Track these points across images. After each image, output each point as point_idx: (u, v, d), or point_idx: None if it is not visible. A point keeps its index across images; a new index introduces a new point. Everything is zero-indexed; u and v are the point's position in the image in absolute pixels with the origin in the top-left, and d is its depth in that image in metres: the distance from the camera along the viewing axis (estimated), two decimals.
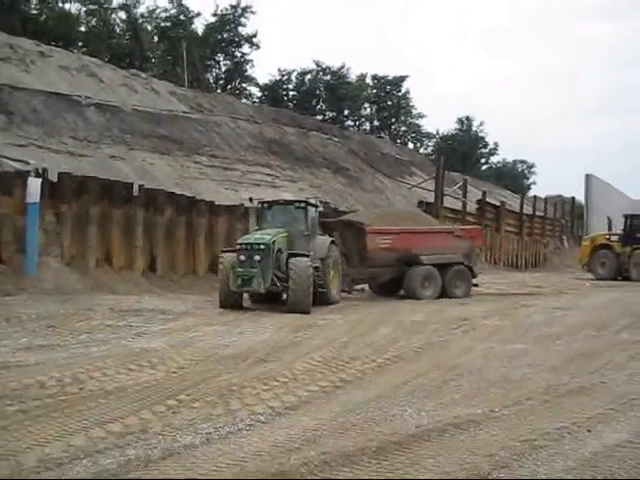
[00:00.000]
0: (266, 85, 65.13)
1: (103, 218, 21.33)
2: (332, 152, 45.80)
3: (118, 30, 53.42)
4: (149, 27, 55.95)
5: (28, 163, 20.76)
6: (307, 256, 17.85)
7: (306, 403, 8.24)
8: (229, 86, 60.63)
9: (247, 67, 61.57)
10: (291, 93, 67.76)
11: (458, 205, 44.72)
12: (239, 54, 60.66)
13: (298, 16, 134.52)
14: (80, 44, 47.77)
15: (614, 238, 36.54)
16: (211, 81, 59.51)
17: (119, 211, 21.84)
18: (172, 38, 54.18)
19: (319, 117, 62.64)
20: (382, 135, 69.74)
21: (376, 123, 74.54)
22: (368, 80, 71.47)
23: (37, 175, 19.77)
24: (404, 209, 35.20)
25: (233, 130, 39.60)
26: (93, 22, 51.50)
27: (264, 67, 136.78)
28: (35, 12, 46.15)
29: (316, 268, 18.14)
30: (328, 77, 67.06)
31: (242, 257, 17.27)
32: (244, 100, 56.13)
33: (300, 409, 7.95)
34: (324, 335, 13.55)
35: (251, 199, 20.82)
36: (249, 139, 39.74)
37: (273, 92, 64.73)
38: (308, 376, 9.71)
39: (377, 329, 14.51)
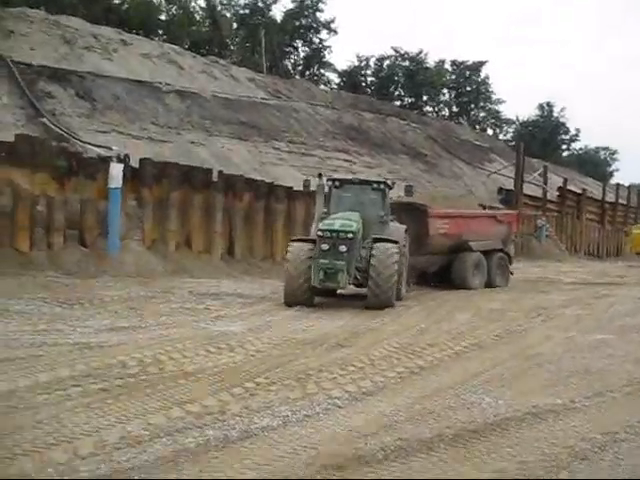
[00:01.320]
0: (344, 71, 65.04)
1: (183, 203, 21.67)
2: (410, 138, 45.49)
3: (198, 18, 54.06)
4: (228, 14, 56.51)
5: (111, 149, 21.22)
6: (395, 242, 15.78)
7: (383, 389, 8.20)
8: (307, 72, 60.77)
9: (325, 53, 61.73)
10: (369, 79, 67.61)
11: (538, 192, 43.90)
12: (317, 40, 60.82)
13: (376, 1, 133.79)
14: (161, 32, 48.53)
15: None
16: (289, 67, 59.74)
17: (199, 196, 22.15)
18: (251, 25, 54.64)
19: (397, 103, 62.29)
20: (461, 121, 68.91)
21: (455, 109, 73.72)
22: (447, 65, 70.75)
23: (119, 161, 20.20)
24: (452, 191, 33.12)
25: (311, 116, 39.71)
26: (173, 10, 52.25)
27: (342, 53, 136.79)
28: (117, 1, 47.06)
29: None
30: (406, 63, 66.55)
31: (324, 246, 14.94)
32: (322, 86, 56.18)
33: (377, 394, 7.92)
34: (401, 322, 13.48)
35: (320, 175, 18.20)
36: (327, 125, 39.80)
37: (351, 78, 64.59)
38: (385, 362, 9.67)
39: (454, 316, 14.37)
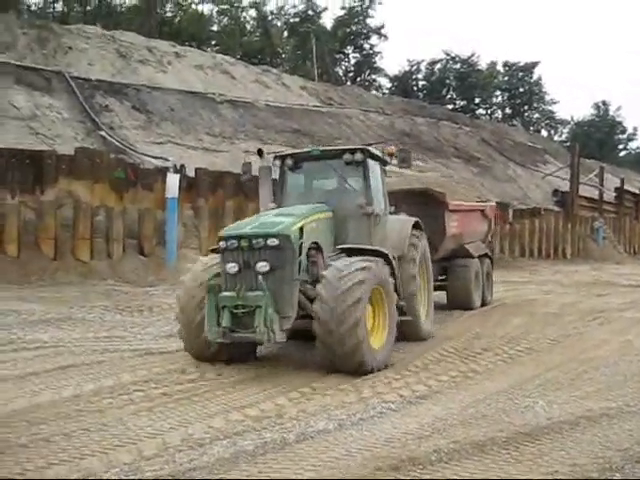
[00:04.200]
0: (395, 76, 65.11)
1: (238, 211, 22.00)
2: (463, 142, 45.26)
3: (249, 28, 54.77)
4: (279, 23, 57.13)
5: (167, 160, 21.70)
6: (376, 255, 9.98)
7: (437, 392, 8.29)
8: (358, 78, 60.98)
9: (376, 59, 61.99)
10: (421, 83, 67.60)
11: (594, 194, 43.28)
12: (367, 46, 61.02)
13: (425, 5, 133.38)
14: (213, 43, 49.27)
15: None
16: (340, 74, 60.06)
17: (253, 204, 22.44)
18: (301, 33, 55.09)
19: (449, 106, 62.05)
20: (514, 123, 68.26)
21: (508, 111, 73.23)
22: (499, 67, 70.37)
23: (176, 171, 20.67)
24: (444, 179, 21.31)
25: (363, 122, 39.83)
26: (225, 21, 53.03)
27: (393, 58, 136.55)
28: (170, 14, 47.93)
29: (392, 273, 10.23)
30: (458, 66, 66.32)
31: (231, 266, 9.02)
32: (374, 92, 56.30)
33: (430, 398, 8.01)
34: (455, 326, 13.51)
35: (261, 152, 11.71)
36: (379, 130, 39.85)
37: (402, 83, 64.66)
38: (439, 366, 9.77)
39: (509, 320, 14.33)
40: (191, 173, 21.68)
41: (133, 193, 20.35)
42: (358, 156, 10.89)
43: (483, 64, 67.61)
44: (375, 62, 62.16)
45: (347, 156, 10.88)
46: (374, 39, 60.79)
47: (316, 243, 9.79)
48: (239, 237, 9.11)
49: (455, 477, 5.49)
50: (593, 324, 14.04)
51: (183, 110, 29.33)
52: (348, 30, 59.49)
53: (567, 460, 5.93)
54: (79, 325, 12.70)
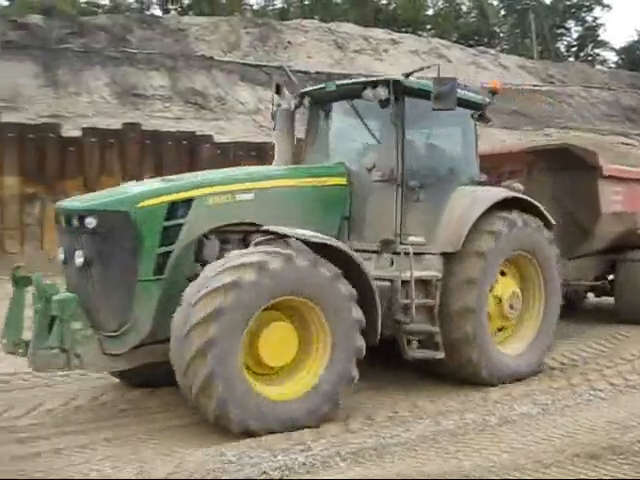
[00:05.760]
0: (622, 48, 61.57)
1: None
2: None
3: (465, 9, 54.19)
4: (495, 2, 55.98)
5: None
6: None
7: None
8: (581, 53, 58.42)
9: (599, 31, 58.97)
10: None
11: None
12: (590, 18, 58.27)
13: None
14: (428, 27, 49.28)
15: None
16: (562, 50, 57.82)
17: None
18: (519, 10, 53.70)
19: None
20: None
21: None
22: None
23: None
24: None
25: (586, 99, 38.21)
26: (440, 4, 52.83)
27: (619, 30, 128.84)
28: (385, 2, 48.54)
29: (425, 282, 7.39)
30: None
31: (60, 252, 6.71)
32: (598, 67, 53.72)
33: None
34: None
35: (279, 87, 8.57)
36: (603, 108, 38.07)
37: (630, 55, 60.96)
38: None
39: None
40: None
41: None
42: (380, 92, 7.48)
43: None
44: (599, 35, 59.23)
45: (367, 92, 7.53)
46: (597, 11, 58.19)
47: (252, 224, 6.81)
48: (68, 212, 6.58)
49: None
50: None
51: None
52: (569, 3, 57.12)
53: None
54: None
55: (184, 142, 19.63)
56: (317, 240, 6.39)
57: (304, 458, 5.41)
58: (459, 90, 7.68)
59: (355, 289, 6.38)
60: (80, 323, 6.09)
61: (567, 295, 9.53)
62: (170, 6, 46.38)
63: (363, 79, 8.21)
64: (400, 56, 33.90)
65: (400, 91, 7.59)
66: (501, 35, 56.17)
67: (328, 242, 6.45)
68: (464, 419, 6.52)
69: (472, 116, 8.42)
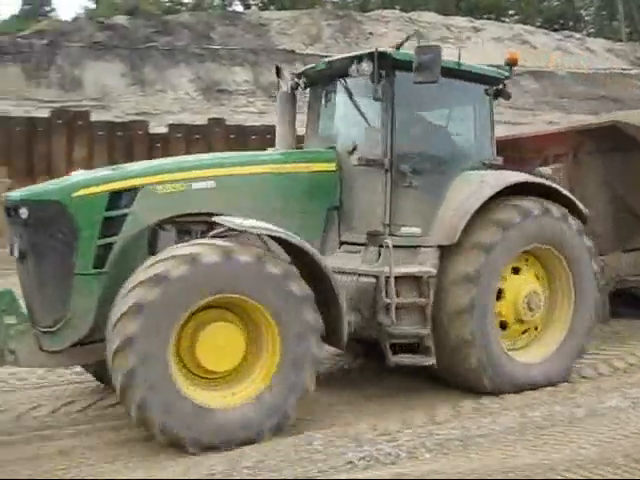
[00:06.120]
0: None
1: None
2: None
3: None
4: None
5: None
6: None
7: None
8: None
9: None
10: None
11: None
12: None
13: None
14: (511, 13, 48.40)
15: None
16: None
17: None
18: None
19: None
20: None
21: None
22: None
23: None
24: None
25: None
26: None
27: None
28: None
29: (417, 278, 6.51)
30: None
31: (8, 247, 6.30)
32: None
33: None
34: None
35: (278, 70, 7.77)
36: None
37: None
38: None
39: None
40: None
41: None
42: (364, 66, 6.58)
43: None
44: None
45: (352, 68, 6.64)
46: None
47: (210, 214, 6.14)
48: (7, 204, 6.19)
49: None
50: None
51: None
52: None
53: None
54: None
55: (268, 136, 19.83)
56: (264, 232, 5.83)
57: (390, 448, 5.40)
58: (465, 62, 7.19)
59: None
60: (14, 318, 5.81)
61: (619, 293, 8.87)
62: (251, 1, 46.89)
63: (352, 54, 7.10)
64: (483, 44, 33.46)
65: (389, 65, 6.72)
66: (587, 18, 54.68)
67: (276, 234, 5.83)
68: (551, 411, 6.41)
69: (487, 92, 7.56)
